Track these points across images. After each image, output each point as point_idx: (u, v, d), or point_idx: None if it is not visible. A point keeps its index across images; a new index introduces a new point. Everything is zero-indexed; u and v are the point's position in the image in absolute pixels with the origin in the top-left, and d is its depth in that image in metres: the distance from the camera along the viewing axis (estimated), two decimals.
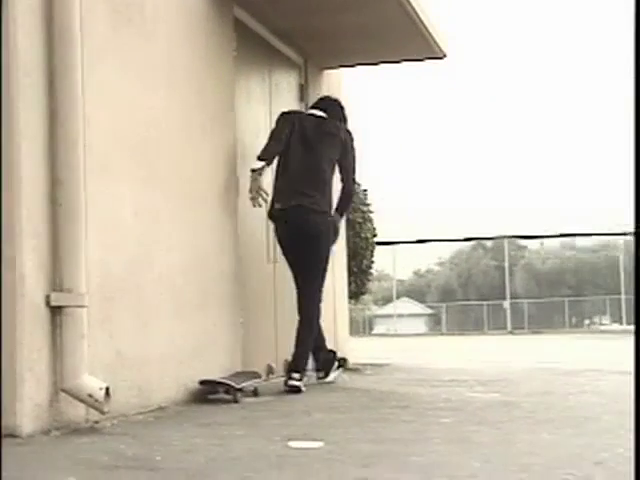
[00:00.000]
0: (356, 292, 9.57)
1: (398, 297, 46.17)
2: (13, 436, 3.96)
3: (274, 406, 5.37)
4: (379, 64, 8.41)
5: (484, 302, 48.91)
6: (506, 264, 28.32)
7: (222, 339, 6.02)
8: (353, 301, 9.91)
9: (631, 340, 18.26)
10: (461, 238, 38.05)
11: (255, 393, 5.75)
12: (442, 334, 30.92)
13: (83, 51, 4.39)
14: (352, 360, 8.80)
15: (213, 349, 5.87)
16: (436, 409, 5.26)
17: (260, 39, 7.09)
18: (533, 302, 50.44)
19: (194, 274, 5.65)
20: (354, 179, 6.64)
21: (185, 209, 5.57)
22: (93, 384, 4.26)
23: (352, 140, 6.64)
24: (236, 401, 5.43)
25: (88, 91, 4.47)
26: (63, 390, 4.23)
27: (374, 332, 45.59)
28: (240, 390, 5.50)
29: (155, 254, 5.19)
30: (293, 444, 3.87)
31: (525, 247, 62.74)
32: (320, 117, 6.62)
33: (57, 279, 4.26)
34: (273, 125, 6.55)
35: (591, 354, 12.32)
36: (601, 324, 50.80)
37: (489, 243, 58.92)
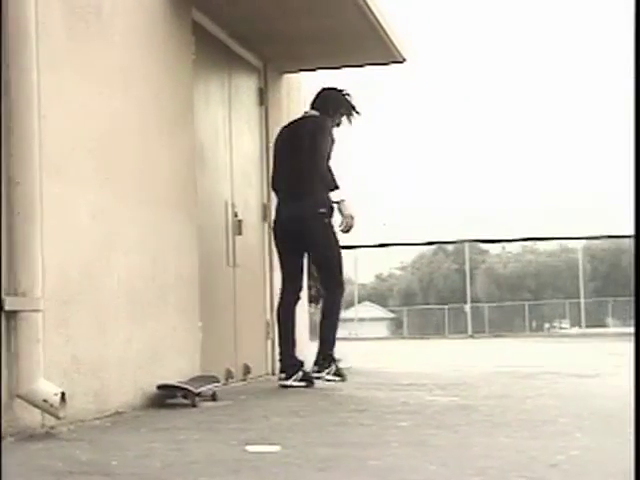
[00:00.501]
0: (316, 296, 9.55)
1: (360, 301, 46.14)
2: None
3: (232, 410, 5.35)
4: (339, 68, 8.42)
5: (445, 306, 49.12)
6: (467, 268, 28.44)
7: (181, 343, 6.00)
8: (313, 305, 9.89)
9: (589, 343, 18.43)
10: (422, 242, 38.13)
11: (214, 397, 5.73)
12: (403, 338, 30.98)
13: (39, 52, 4.36)
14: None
15: (172, 353, 5.84)
16: (394, 413, 5.27)
17: (219, 43, 7.08)
18: (494, 306, 50.76)
19: (153, 278, 5.62)
20: (316, 159, 6.62)
21: (143, 212, 5.54)
22: (48, 389, 4.23)
23: (320, 127, 6.73)
24: (194, 405, 5.41)
25: (44, 93, 4.43)
26: (18, 396, 4.19)
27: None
28: (198, 394, 5.48)
29: (113, 257, 5.15)
30: (251, 448, 3.86)
31: (486, 251, 63.11)
32: (292, 122, 6.95)
33: (11, 283, 4.22)
34: (232, 131, 6.60)
35: (550, 357, 12.39)
36: (561, 328, 51.21)
37: (450, 247, 59.20)
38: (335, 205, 6.65)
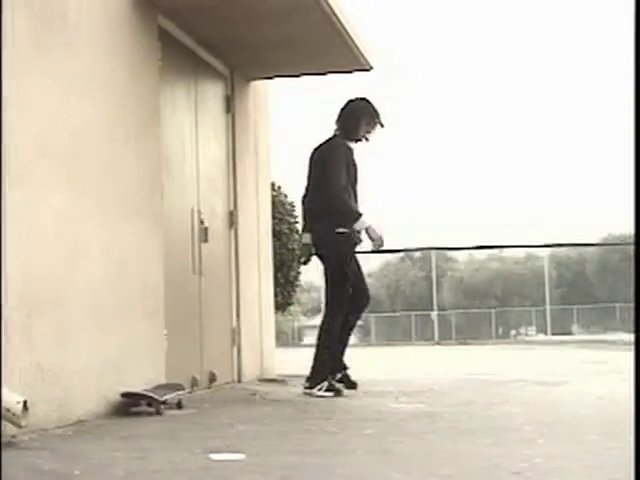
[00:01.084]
0: (283, 303, 9.57)
1: None
2: None
3: (198, 418, 5.33)
4: (307, 75, 8.42)
5: (412, 313, 49.28)
6: (434, 275, 28.52)
7: (146, 351, 5.96)
8: (280, 312, 9.90)
9: (554, 350, 18.54)
10: (389, 250, 38.13)
11: (179, 405, 5.70)
12: (371, 345, 31.05)
13: (4, 59, 4.32)
14: (279, 371, 8.80)
15: (136, 361, 5.81)
16: (360, 420, 5.28)
17: (186, 49, 7.06)
18: (460, 313, 50.96)
19: (118, 285, 5.59)
20: (329, 185, 6.78)
21: (109, 219, 5.51)
22: (10, 398, 4.18)
23: (330, 152, 6.87)
24: (159, 413, 5.38)
25: (9, 99, 4.39)
26: None
27: (303, 343, 45.60)
28: (163, 402, 5.45)
29: (77, 265, 5.12)
30: (215, 456, 3.84)
31: (453, 259, 63.35)
32: (319, 144, 7.09)
33: None
34: (198, 138, 6.57)
35: (516, 364, 12.46)
36: (527, 334, 51.53)
37: (417, 254, 59.38)
38: (363, 232, 6.92)
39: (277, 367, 8.86)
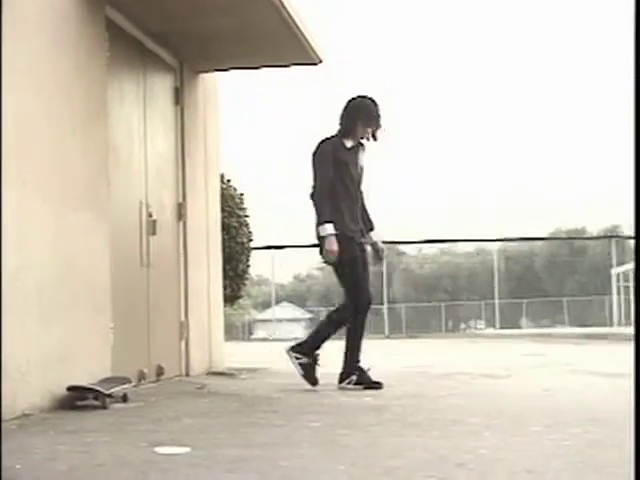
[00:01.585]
0: (231, 296, 9.53)
1: (278, 302, 46.21)
2: None
3: (144, 412, 5.29)
4: (255, 68, 8.39)
5: None
6: (384, 269, 28.62)
7: (92, 344, 5.91)
8: (229, 305, 9.86)
9: (503, 344, 18.68)
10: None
11: (125, 399, 5.66)
12: None
13: None
14: (228, 365, 8.77)
15: (82, 355, 5.75)
16: (307, 413, 5.27)
17: (134, 40, 7.00)
18: (411, 306, 51.17)
19: (62, 278, 5.53)
20: (315, 187, 6.77)
21: (54, 211, 5.45)
22: None
23: (318, 153, 6.79)
24: (105, 407, 5.34)
25: None
26: None
27: (254, 337, 45.58)
28: (109, 396, 5.41)
29: (21, 257, 5.05)
30: (159, 450, 3.82)
31: (403, 252, 63.59)
32: None
33: None
34: (147, 130, 6.51)
35: (464, 358, 12.53)
36: (476, 328, 51.87)
37: (368, 248, 59.52)
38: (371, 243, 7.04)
39: (226, 360, 8.84)
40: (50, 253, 5.38)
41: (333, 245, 6.67)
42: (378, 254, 7.14)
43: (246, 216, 9.67)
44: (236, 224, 9.38)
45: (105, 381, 5.69)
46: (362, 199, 7.02)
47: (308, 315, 60.04)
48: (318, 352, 7.01)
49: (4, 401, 4.78)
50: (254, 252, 10.46)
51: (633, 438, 3.25)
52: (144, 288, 6.98)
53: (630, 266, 36.21)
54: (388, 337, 24.93)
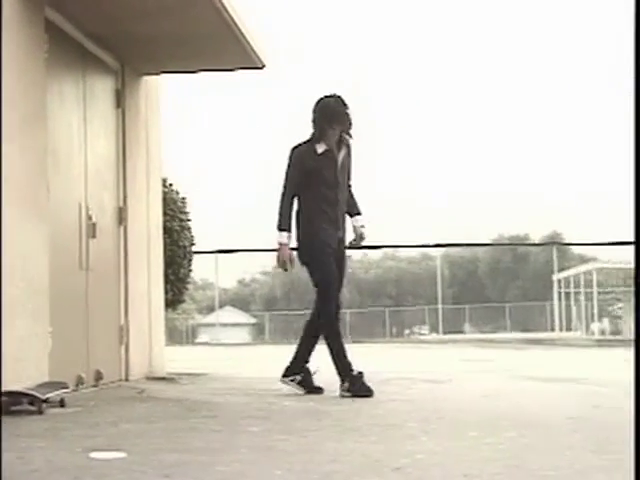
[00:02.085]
0: (173, 300, 9.48)
1: (222, 306, 46.05)
2: None
3: (81, 417, 5.24)
4: (197, 72, 8.36)
5: (306, 311, 49.41)
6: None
7: (29, 349, 5.84)
8: (170, 309, 9.81)
9: (445, 350, 18.81)
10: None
11: (62, 404, 5.59)
12: (265, 343, 31.04)
13: None
14: (169, 369, 8.72)
15: (19, 359, 5.68)
16: (247, 418, 5.26)
17: (74, 42, 6.93)
18: (355, 312, 51.30)
19: (0, 281, 5.45)
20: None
21: None
22: None
23: (289, 158, 6.71)
24: (41, 412, 5.27)
25: None
26: None
27: (197, 341, 45.40)
28: (45, 401, 5.34)
29: None
30: (95, 455, 3.78)
31: (349, 256, 63.73)
32: None
33: None
34: (87, 133, 6.45)
35: (407, 363, 12.60)
36: (420, 334, 52.19)
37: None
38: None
39: (167, 365, 8.79)
40: None
41: (281, 254, 6.74)
42: (357, 237, 6.98)
43: (188, 220, 9.64)
44: (178, 228, 9.34)
45: (42, 386, 5.63)
46: (348, 194, 6.86)
47: (252, 320, 59.94)
48: (352, 369, 6.66)
49: None
50: (197, 256, 10.43)
51: (633, 439, 3.29)
52: (83, 292, 6.92)
53: (571, 272, 36.69)
54: None
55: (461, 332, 46.18)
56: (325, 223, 6.68)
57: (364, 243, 7.13)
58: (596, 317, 36.02)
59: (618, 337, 33.95)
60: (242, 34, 7.26)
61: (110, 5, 6.57)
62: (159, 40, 7.34)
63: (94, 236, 7.04)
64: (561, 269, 37.73)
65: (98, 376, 7.03)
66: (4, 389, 5.31)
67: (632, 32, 3.97)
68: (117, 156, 7.72)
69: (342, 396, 6.48)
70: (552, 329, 37.75)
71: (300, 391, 6.76)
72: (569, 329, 35.49)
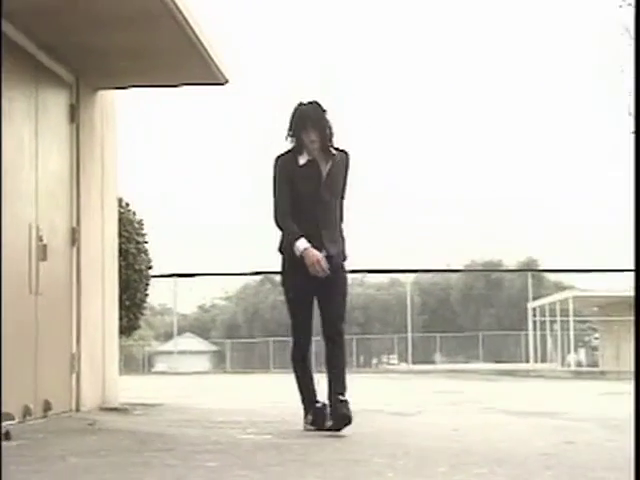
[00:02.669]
0: (128, 327, 9.43)
1: (180, 332, 45.83)
2: None
3: (27, 451, 5.17)
4: (157, 87, 8.36)
5: (270, 338, 49.33)
6: None
7: None
8: (125, 336, 9.76)
9: (415, 380, 18.81)
10: (248, 272, 38.21)
11: (7, 436, 5.53)
12: (225, 372, 30.94)
13: None
14: (123, 400, 8.66)
15: None
16: (203, 452, 5.22)
17: (26, 54, 6.89)
18: (320, 340, 51.28)
19: None
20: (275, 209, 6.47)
21: None
22: None
23: (275, 162, 6.45)
24: None
25: None
26: None
27: (154, 370, 45.13)
28: None
29: None
30: None
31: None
32: None
33: None
34: (38, 149, 6.39)
35: (374, 394, 12.59)
36: (388, 363, 52.22)
37: (277, 277, 59.53)
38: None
39: (121, 395, 8.72)
40: None
41: (313, 257, 6.25)
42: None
43: (145, 242, 9.61)
44: (134, 250, 9.30)
45: None
46: (329, 213, 6.49)
47: (213, 348, 59.70)
48: (317, 401, 6.48)
49: None
50: (154, 280, 10.39)
51: (633, 439, 3.29)
52: (32, 317, 6.86)
53: (547, 300, 36.88)
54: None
55: (432, 362, 46.23)
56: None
57: None
58: (572, 348, 36.19)
59: (595, 369, 34.20)
60: (204, 48, 7.26)
61: (64, 16, 6.55)
62: (116, 53, 7.32)
63: (45, 258, 6.99)
64: (536, 297, 37.92)
65: (47, 406, 6.96)
66: None
67: (633, 29, 4.01)
68: (70, 174, 7.68)
69: (306, 429, 6.44)
70: (527, 360, 37.89)
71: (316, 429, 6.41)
72: (544, 360, 35.63)
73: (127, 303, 9.16)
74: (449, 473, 4.39)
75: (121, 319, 8.91)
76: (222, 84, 8.14)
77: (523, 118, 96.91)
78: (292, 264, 6.41)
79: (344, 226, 6.64)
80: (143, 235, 9.57)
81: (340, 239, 6.59)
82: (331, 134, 6.45)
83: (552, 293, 40.47)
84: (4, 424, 5.56)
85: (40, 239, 6.95)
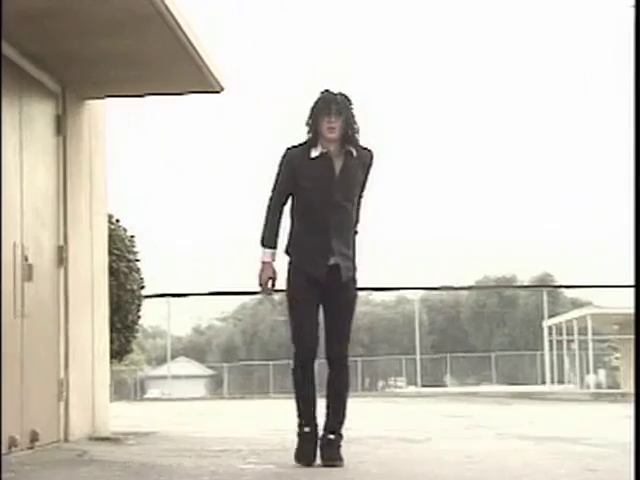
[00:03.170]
0: (120, 351, 9.43)
1: (174, 356, 45.83)
2: None
3: None
4: (147, 96, 8.37)
5: (270, 362, 49.33)
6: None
7: None
8: (116, 360, 9.75)
9: (424, 404, 18.80)
10: (245, 291, 38.21)
11: None
12: (223, 398, 30.90)
13: None
14: (114, 428, 8.66)
15: None
16: None
17: (9, 62, 6.89)
18: (323, 362, 51.27)
19: None
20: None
21: None
22: None
23: (283, 153, 6.23)
24: None
25: None
26: None
27: (147, 396, 45.12)
28: None
29: None
30: None
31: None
32: None
33: None
34: (23, 163, 6.39)
35: (380, 419, 12.57)
36: (396, 386, 52.16)
37: (277, 296, 59.54)
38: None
39: (112, 423, 8.72)
40: None
41: (265, 274, 6.17)
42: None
43: (137, 260, 9.60)
44: (125, 269, 9.30)
45: None
46: (342, 219, 6.20)
47: (209, 372, 59.68)
48: (313, 420, 6.26)
49: None
50: (147, 301, 10.39)
51: (633, 439, 3.28)
52: (17, 341, 6.86)
53: (563, 318, 36.88)
54: None
55: (441, 385, 46.21)
56: (307, 246, 6.17)
57: None
58: (591, 368, 36.14)
59: (615, 391, 34.13)
60: (198, 53, 7.28)
61: (49, 21, 6.56)
62: (104, 60, 7.34)
63: (30, 279, 6.99)
64: (552, 314, 37.88)
65: (34, 437, 6.95)
66: None
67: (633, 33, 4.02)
68: (57, 189, 7.69)
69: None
70: (543, 381, 37.81)
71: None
72: (561, 382, 35.59)
73: (118, 325, 9.15)
74: None
75: (112, 342, 8.91)
76: (217, 92, 8.16)
77: (542, 131, 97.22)
78: (298, 265, 6.19)
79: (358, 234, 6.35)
80: (135, 253, 9.57)
81: (352, 250, 6.30)
82: (355, 129, 6.16)
83: (569, 310, 40.45)
84: None
85: (25, 258, 6.96)
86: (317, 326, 6.28)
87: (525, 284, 59.99)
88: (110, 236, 8.87)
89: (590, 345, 34.27)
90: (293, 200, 6.25)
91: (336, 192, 6.13)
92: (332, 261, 6.15)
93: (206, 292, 26.29)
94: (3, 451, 6.06)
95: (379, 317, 62.19)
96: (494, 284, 59.94)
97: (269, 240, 6.23)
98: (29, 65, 7.20)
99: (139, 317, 9.74)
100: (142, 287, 9.67)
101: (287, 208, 6.31)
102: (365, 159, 6.25)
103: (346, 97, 6.18)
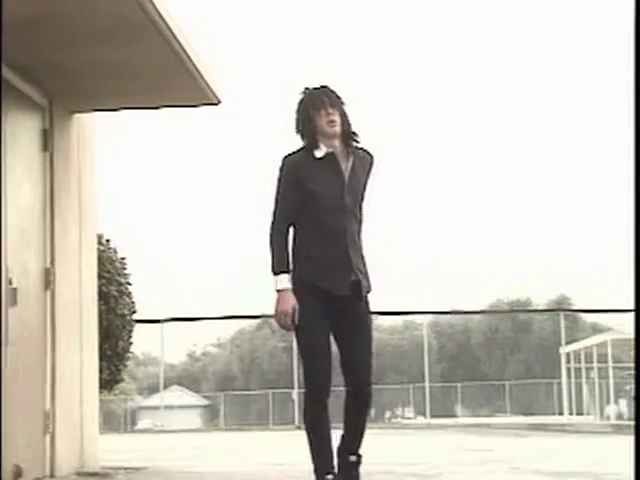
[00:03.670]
0: (110, 380, 9.43)
1: (167, 385, 45.83)
2: None
3: None
4: (143, 109, 8.39)
5: (269, 391, 49.29)
6: (295, 347, 28.65)
7: None
8: (106, 391, 9.75)
9: (434, 436, 18.77)
10: (244, 315, 38.27)
11: None
12: (219, 429, 30.89)
13: None
14: (103, 463, 8.64)
15: None
16: None
17: None
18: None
19: None
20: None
21: None
22: None
23: (282, 162, 5.75)
24: None
25: None
26: None
27: (137, 427, 45.09)
28: None
29: None
30: None
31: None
32: None
33: None
34: (7, 181, 6.40)
35: (387, 453, 12.54)
36: (403, 417, 52.10)
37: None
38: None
39: (102, 457, 8.70)
40: None
41: (284, 304, 5.58)
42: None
43: (128, 283, 9.62)
44: (116, 293, 9.31)
45: None
46: (354, 228, 5.78)
47: (204, 402, 59.60)
48: (332, 472, 5.77)
49: None
50: (139, 326, 10.39)
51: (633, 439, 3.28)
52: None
53: (582, 344, 36.84)
54: (299, 427, 24.82)
55: (452, 415, 46.11)
56: (317, 260, 5.69)
57: None
58: (612, 398, 36.08)
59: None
60: (194, 66, 7.30)
61: (36, 32, 6.59)
62: (93, 71, 7.36)
63: (15, 303, 7.00)
64: (570, 340, 37.84)
65: (17, 472, 6.94)
66: None
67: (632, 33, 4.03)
68: (43, 208, 7.70)
69: None
70: (560, 412, 37.76)
71: None
72: (580, 412, 35.53)
73: (108, 353, 9.16)
74: None
75: (101, 371, 8.91)
76: (215, 104, 8.18)
77: (553, 148, 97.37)
78: (312, 283, 5.64)
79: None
80: (126, 276, 9.59)
81: (365, 264, 5.84)
82: (351, 125, 5.81)
83: (588, 336, 40.41)
84: None
85: (9, 282, 6.96)
86: (331, 357, 5.73)
87: (541, 308, 59.91)
88: (100, 258, 8.88)
89: (611, 373, 34.20)
90: (300, 211, 5.74)
91: (347, 197, 5.73)
92: (353, 277, 5.68)
93: (201, 317, 26.28)
94: None
95: (386, 343, 62.11)
96: (507, 308, 59.86)
97: (281, 264, 5.68)
98: (14, 77, 7.22)
99: (130, 344, 9.75)
100: (133, 312, 9.68)
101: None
102: (365, 161, 5.90)
103: (332, 90, 5.84)
